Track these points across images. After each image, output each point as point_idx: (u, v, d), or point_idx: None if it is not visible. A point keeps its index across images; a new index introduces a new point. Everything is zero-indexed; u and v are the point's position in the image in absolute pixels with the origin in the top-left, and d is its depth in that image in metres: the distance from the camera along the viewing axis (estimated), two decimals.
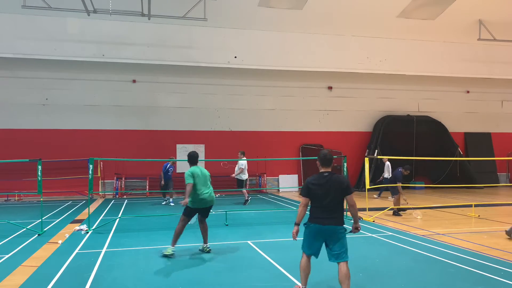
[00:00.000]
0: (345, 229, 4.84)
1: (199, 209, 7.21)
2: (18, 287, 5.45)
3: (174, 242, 7.07)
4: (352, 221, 4.98)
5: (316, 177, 4.89)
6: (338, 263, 4.74)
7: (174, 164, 15.11)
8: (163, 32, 16.67)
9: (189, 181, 6.96)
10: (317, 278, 5.52)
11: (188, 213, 7.17)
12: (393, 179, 12.03)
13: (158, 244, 7.95)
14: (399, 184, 11.73)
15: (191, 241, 8.24)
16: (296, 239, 4.94)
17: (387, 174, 15.33)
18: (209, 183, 7.33)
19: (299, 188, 20.01)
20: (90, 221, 9.81)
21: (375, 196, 16.74)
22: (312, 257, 4.97)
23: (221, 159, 17.91)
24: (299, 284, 5.08)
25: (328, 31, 18.06)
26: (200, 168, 7.32)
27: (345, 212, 4.82)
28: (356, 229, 4.95)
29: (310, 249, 4.91)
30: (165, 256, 6.95)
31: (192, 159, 7.37)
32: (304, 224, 4.91)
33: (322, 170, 4.95)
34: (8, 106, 17.40)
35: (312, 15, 16.66)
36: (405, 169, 11.76)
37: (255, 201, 15.58)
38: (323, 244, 4.86)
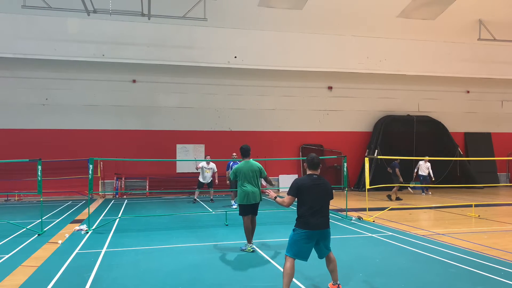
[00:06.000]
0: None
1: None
2: (18, 287, 5.45)
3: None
4: None
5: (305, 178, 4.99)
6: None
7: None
8: (163, 32, 16.67)
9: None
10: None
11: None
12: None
13: (158, 244, 7.96)
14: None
15: (191, 241, 8.25)
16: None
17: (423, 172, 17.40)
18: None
19: None
20: (90, 221, 9.81)
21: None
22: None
23: (221, 159, 17.87)
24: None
25: (328, 31, 18.05)
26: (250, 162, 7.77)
27: None
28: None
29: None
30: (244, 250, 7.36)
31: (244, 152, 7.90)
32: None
33: (309, 172, 5.07)
34: (8, 106, 17.39)
35: (312, 15, 16.66)
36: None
37: None
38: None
